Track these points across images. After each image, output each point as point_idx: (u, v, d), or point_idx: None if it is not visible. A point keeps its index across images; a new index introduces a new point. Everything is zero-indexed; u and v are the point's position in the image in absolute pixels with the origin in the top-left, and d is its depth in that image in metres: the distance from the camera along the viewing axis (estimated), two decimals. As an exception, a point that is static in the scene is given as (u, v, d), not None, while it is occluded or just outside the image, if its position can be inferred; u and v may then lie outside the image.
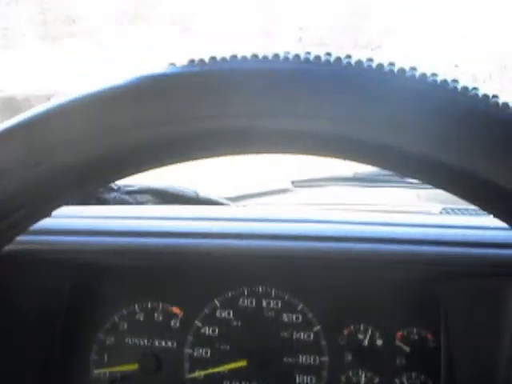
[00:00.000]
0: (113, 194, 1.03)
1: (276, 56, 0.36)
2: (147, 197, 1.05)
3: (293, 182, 1.44)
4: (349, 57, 0.36)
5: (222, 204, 1.11)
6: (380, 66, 0.35)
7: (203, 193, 1.09)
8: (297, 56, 0.36)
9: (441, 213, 1.15)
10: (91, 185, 0.43)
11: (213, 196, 1.12)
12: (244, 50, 0.38)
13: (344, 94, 0.34)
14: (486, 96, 0.35)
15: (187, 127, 0.36)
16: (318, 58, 0.35)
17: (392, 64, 0.36)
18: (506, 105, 0.35)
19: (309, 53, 0.36)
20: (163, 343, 0.80)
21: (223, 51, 0.38)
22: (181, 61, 0.37)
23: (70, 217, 0.80)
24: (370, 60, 0.36)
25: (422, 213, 1.15)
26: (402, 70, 0.35)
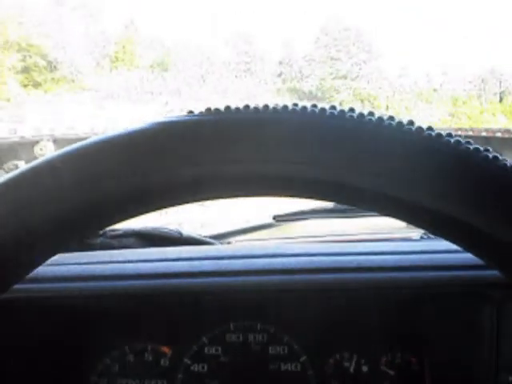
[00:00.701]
0: (99, 239, 1.05)
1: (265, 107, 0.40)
2: (132, 240, 1.07)
3: (275, 217, 1.47)
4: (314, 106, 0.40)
5: (206, 243, 1.13)
6: (361, 115, 0.39)
7: (187, 232, 1.12)
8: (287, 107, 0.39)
9: (421, 238, 1.18)
10: (81, 233, 0.45)
11: (196, 235, 1.14)
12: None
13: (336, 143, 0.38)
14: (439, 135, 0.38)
15: (173, 176, 0.39)
16: (323, 110, 0.39)
17: (371, 114, 0.39)
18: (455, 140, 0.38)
19: (315, 105, 0.40)
20: (154, 382, 0.81)
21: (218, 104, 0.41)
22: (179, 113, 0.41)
23: (59, 264, 0.81)
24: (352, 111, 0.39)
25: (402, 240, 1.18)
26: (381, 119, 0.39)
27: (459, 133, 12.10)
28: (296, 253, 0.83)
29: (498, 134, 11.30)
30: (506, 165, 0.37)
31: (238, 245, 1.15)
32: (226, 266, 0.80)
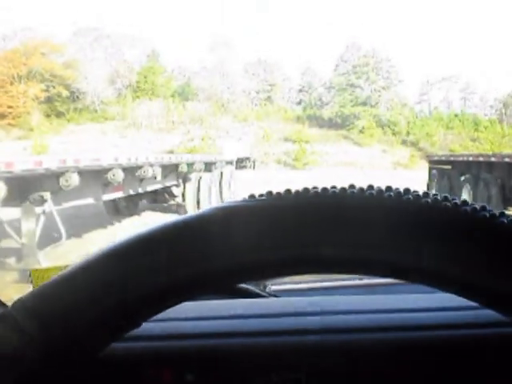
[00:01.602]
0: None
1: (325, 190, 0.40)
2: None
3: None
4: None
5: (244, 291, 1.13)
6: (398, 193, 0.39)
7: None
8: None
9: None
10: (176, 302, 0.47)
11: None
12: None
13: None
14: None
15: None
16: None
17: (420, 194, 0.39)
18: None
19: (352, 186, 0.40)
20: None
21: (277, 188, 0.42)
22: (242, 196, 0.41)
23: None
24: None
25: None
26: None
27: (481, 159, 11.94)
28: (339, 310, 0.83)
29: (522, 160, 11.13)
30: None
31: (283, 300, 1.15)
32: (272, 325, 0.80)
